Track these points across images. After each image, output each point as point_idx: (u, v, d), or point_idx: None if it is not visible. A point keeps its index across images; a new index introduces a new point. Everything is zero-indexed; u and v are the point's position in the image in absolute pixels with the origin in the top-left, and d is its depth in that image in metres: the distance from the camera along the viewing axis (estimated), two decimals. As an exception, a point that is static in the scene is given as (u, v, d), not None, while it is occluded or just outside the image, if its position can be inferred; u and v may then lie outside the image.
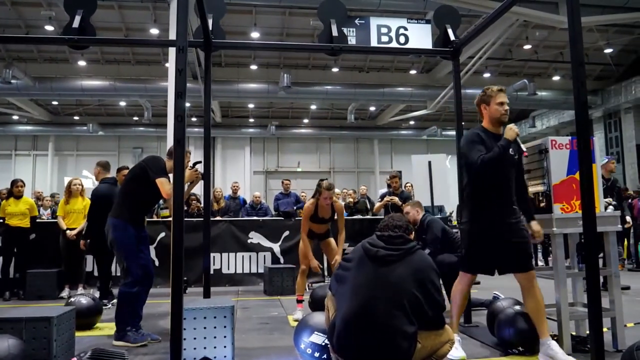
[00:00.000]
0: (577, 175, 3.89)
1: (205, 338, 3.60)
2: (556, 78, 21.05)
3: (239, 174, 24.26)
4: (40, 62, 18.49)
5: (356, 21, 5.17)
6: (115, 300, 6.14)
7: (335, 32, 4.72)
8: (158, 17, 15.76)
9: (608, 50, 18.64)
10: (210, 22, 4.68)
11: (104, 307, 5.34)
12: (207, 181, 4.77)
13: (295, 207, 9.59)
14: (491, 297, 6.00)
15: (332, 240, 5.47)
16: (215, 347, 3.62)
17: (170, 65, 13.48)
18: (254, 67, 19.43)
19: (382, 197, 7.60)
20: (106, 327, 4.96)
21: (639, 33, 17.71)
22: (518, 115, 25.87)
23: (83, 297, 4.93)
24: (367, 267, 2.87)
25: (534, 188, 4.12)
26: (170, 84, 13.34)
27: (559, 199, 3.86)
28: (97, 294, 6.19)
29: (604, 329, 4.48)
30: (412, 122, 25.07)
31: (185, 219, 8.37)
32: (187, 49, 2.94)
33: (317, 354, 3.57)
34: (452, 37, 4.93)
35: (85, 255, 7.10)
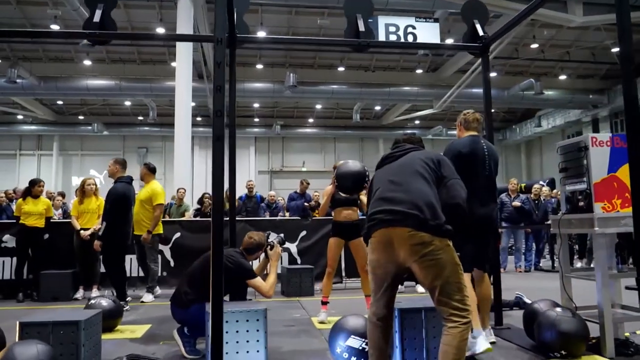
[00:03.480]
0: (618, 173, 3.78)
1: (237, 342, 3.47)
2: (562, 77, 20.94)
3: (244, 173, 24.16)
4: (45, 61, 18.41)
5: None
6: (128, 307, 5.95)
7: (362, 27, 4.60)
8: (164, 15, 15.69)
9: (615, 49, 18.51)
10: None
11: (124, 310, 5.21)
12: (233, 180, 4.64)
13: (304, 201, 9.46)
14: (514, 297, 5.89)
15: (361, 240, 5.29)
16: (247, 352, 3.50)
17: (178, 63, 13.41)
18: (259, 66, 19.34)
19: None
20: (127, 330, 4.85)
21: (647, 32, 17.61)
22: (524, 115, 25.79)
23: (103, 298, 4.79)
24: (382, 171, 3.03)
25: (571, 187, 4.01)
26: (178, 83, 13.28)
27: (600, 198, 3.73)
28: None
29: (638, 332, 4.39)
30: (417, 122, 25.01)
31: (201, 219, 8.24)
32: (225, 42, 2.83)
33: (353, 359, 3.46)
34: (481, 33, 4.80)
35: (100, 256, 6.96)
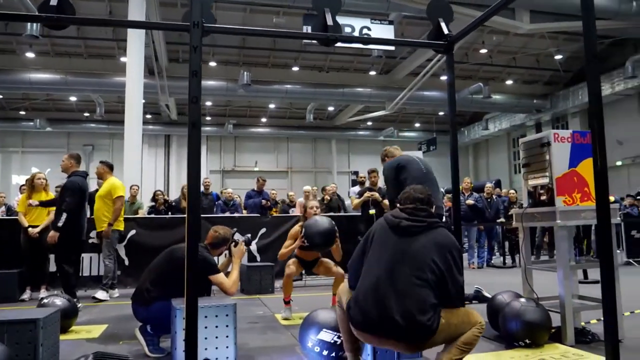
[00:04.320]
0: (578, 168, 3.93)
1: (206, 338, 3.37)
2: (509, 82, 21.70)
3: (195, 173, 23.77)
4: (-17, 52, 17.47)
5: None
6: (81, 305, 5.68)
7: (330, 21, 4.55)
8: (113, 8, 15.24)
9: (558, 57, 19.35)
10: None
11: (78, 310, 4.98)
12: (198, 174, 4.50)
13: (261, 199, 9.39)
14: (473, 291, 6.01)
15: (323, 260, 5.21)
16: (217, 348, 3.41)
17: (129, 58, 12.98)
18: (212, 64, 19.03)
19: (361, 193, 7.44)
20: (82, 330, 4.65)
21: (586, 41, 18.49)
22: (472, 118, 26.53)
23: (57, 297, 4.56)
24: (389, 238, 2.78)
25: (534, 181, 4.13)
26: (129, 79, 12.85)
27: (561, 192, 3.87)
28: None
29: (594, 321, 4.57)
30: (369, 123, 25.26)
31: (157, 216, 8.01)
32: (202, 25, 2.76)
33: (325, 352, 3.43)
34: (446, 31, 4.85)
35: (50, 255, 6.64)
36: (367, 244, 2.87)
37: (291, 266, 5.06)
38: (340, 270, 5.04)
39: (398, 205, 2.97)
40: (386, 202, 7.35)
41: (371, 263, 2.77)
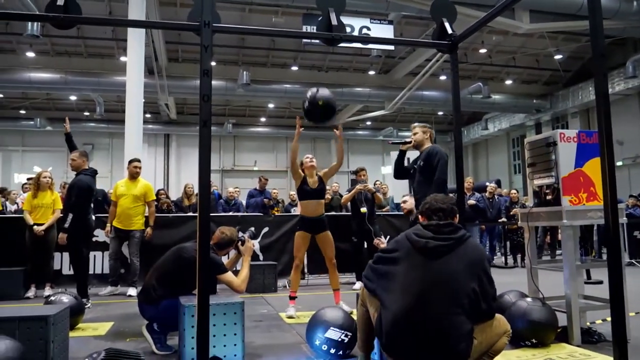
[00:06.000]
0: (584, 168, 3.95)
1: (214, 336, 3.38)
2: (508, 82, 21.72)
3: (194, 172, 23.54)
4: (-17, 51, 17.44)
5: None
6: (90, 305, 5.70)
7: (334, 21, 4.57)
8: (113, 8, 15.21)
9: (557, 57, 19.38)
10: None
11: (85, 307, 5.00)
12: (209, 172, 4.50)
13: (263, 198, 9.46)
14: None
15: (328, 234, 5.26)
16: (225, 346, 3.43)
17: (130, 57, 12.95)
18: (211, 63, 18.95)
19: (350, 190, 7.40)
20: (89, 328, 4.67)
21: (586, 40, 18.48)
22: (470, 118, 26.56)
23: (64, 295, 4.58)
24: (416, 260, 2.59)
25: (539, 181, 4.15)
26: (129, 78, 12.80)
27: (567, 192, 3.89)
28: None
29: (599, 321, 4.59)
30: (368, 123, 25.26)
31: (160, 215, 8.03)
32: (212, 25, 2.78)
33: (333, 350, 3.44)
34: (450, 31, 4.86)
35: (54, 253, 6.67)
36: (389, 261, 2.70)
37: (300, 245, 5.17)
38: (334, 267, 5.29)
39: (420, 217, 2.87)
40: (379, 195, 7.38)
41: (397, 285, 2.60)
